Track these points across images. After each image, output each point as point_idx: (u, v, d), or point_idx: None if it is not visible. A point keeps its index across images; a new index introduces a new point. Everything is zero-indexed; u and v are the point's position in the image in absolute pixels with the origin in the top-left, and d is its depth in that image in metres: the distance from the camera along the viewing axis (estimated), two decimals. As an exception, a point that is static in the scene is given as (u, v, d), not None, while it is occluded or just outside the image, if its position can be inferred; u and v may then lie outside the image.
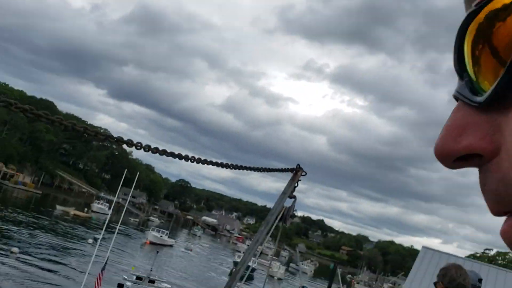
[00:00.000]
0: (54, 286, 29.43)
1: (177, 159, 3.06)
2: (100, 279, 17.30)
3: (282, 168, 4.30)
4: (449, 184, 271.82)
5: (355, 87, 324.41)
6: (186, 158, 3.09)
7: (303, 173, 4.25)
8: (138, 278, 16.49)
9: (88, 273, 18.95)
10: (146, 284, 16.63)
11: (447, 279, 3.74)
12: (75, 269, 35.26)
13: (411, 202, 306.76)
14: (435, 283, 4.87)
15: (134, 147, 2.75)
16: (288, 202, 4.29)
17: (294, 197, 4.24)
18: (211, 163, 3.43)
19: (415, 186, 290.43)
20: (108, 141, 3.58)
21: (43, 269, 32.68)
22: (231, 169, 3.69)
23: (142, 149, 2.77)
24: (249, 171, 3.93)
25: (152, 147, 2.86)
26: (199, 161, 3.23)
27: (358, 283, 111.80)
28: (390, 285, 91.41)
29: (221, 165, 3.61)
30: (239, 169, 3.71)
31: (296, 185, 4.23)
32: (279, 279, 67.37)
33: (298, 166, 4.24)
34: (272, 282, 61.54)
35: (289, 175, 4.23)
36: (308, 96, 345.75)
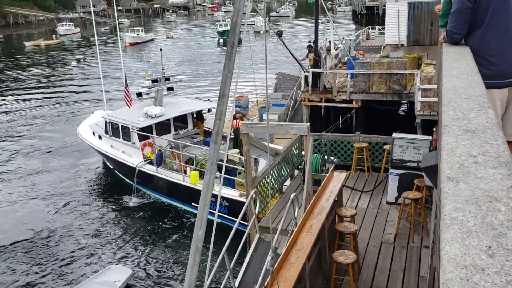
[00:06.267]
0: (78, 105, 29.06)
1: None
2: (128, 95, 17.11)
3: None
4: None
5: None
6: None
7: None
8: (154, 81, 16.95)
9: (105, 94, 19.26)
10: (162, 83, 17.17)
11: None
12: (79, 91, 35.48)
13: None
14: None
15: None
16: None
17: None
18: None
19: None
20: None
21: (48, 105, 31.99)
22: None
23: None
24: None
25: None
26: None
27: (339, 6, 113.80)
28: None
29: None
30: None
31: None
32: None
33: None
34: (258, 36, 62.79)
35: None
36: None
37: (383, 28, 34.37)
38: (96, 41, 21.60)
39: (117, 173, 18.08)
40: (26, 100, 34.12)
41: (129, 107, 17.16)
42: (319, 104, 19.35)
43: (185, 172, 14.70)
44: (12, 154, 22.07)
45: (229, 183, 13.63)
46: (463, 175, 1.31)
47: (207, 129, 17.92)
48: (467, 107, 1.96)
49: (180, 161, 14.93)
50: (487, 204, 1.15)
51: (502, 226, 1.05)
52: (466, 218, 1.10)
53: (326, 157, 12.50)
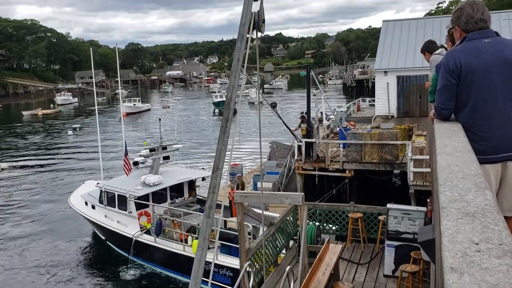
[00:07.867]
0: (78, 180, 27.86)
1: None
2: (128, 164, 16.64)
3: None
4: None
5: None
6: None
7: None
8: (151, 150, 17.19)
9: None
10: (160, 152, 17.29)
11: (464, 20, 3.32)
12: (79, 160, 35.32)
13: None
14: (448, 31, 4.52)
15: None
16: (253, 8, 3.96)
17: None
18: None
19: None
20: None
21: (42, 173, 31.73)
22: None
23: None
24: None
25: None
26: None
27: (330, 79, 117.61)
28: (360, 69, 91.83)
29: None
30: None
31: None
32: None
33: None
34: (252, 107, 63.55)
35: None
36: None
37: (373, 100, 35.43)
38: (96, 109, 22.03)
39: (110, 244, 17.52)
40: (20, 167, 34.03)
41: (127, 175, 17.12)
42: (313, 172, 19.41)
43: (185, 242, 14.28)
44: (3, 223, 21.55)
45: (230, 252, 13.13)
46: (467, 266, 1.26)
47: (200, 197, 17.75)
48: (464, 187, 1.93)
49: (181, 230, 14.56)
50: (495, 300, 1.08)
51: (514, 327, 0.99)
52: (475, 317, 1.03)
53: (321, 227, 12.29)
